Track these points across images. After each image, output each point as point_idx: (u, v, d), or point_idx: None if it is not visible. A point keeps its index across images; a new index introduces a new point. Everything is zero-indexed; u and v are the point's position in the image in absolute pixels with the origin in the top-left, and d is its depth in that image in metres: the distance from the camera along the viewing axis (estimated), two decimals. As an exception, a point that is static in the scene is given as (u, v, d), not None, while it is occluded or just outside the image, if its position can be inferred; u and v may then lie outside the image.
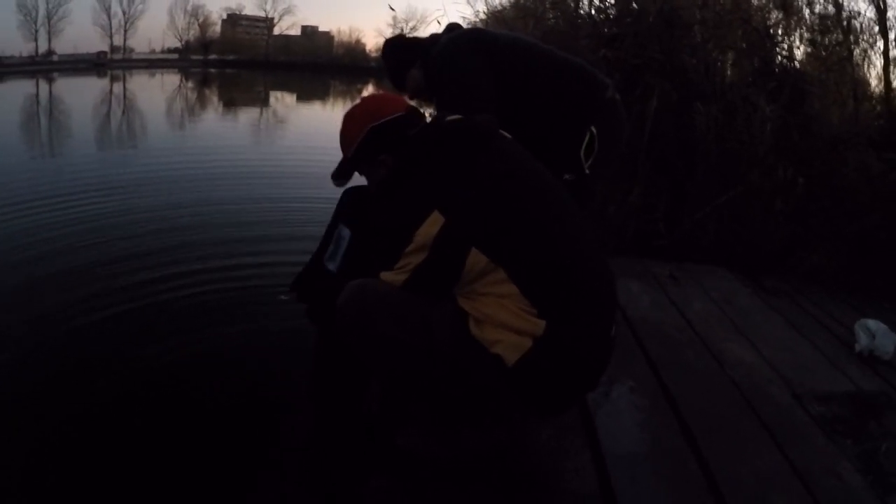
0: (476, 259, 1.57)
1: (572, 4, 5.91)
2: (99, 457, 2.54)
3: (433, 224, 1.58)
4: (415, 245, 1.61)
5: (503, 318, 1.59)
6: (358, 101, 1.98)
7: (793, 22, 5.36)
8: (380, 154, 1.83)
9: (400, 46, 2.70)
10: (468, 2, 12.20)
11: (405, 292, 1.67)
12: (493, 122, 1.84)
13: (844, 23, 5.33)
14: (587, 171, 2.44)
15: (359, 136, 1.85)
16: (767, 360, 2.72)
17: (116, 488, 2.34)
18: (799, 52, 5.28)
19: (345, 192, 2.20)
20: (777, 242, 4.10)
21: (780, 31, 5.29)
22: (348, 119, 1.91)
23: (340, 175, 1.94)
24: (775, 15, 5.40)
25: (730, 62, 5.13)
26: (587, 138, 2.42)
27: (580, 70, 2.54)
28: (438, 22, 11.73)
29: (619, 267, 3.63)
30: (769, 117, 4.27)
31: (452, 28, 2.70)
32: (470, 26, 2.54)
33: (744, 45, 5.13)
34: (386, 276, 1.70)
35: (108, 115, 20.96)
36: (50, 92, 32.73)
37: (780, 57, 5.07)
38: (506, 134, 1.84)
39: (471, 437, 1.89)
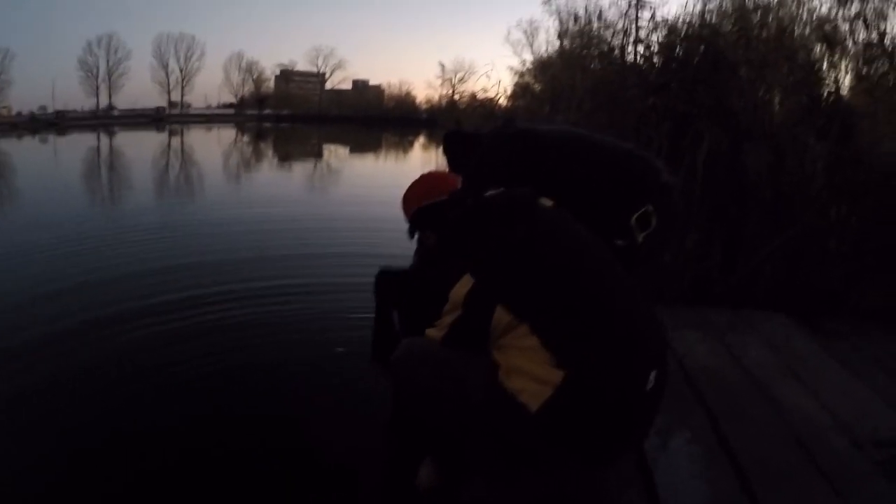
0: (501, 315, 1.75)
1: (618, 53, 6.03)
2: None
3: (464, 285, 1.81)
4: (450, 304, 1.85)
5: (527, 368, 1.73)
6: (415, 179, 2.30)
7: (837, 54, 5.36)
8: (424, 231, 2.18)
9: (464, 141, 2.82)
10: (515, 52, 12.48)
11: (447, 349, 1.89)
12: (531, 192, 2.01)
13: (889, 49, 5.29)
14: (639, 241, 2.51)
15: (409, 215, 2.23)
16: (826, 407, 2.74)
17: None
18: (845, 85, 5.27)
19: (378, 277, 2.58)
20: (834, 283, 4.08)
21: (825, 65, 5.31)
22: (406, 196, 2.28)
23: (409, 234, 2.31)
24: (819, 48, 5.41)
25: (777, 100, 5.15)
26: (641, 211, 2.41)
27: (630, 155, 2.56)
28: (487, 76, 12.01)
29: (675, 316, 3.75)
30: (820, 154, 4.28)
31: (508, 123, 2.82)
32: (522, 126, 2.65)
33: (791, 80, 5.15)
34: (430, 332, 1.94)
35: (167, 167, 22.25)
36: (110, 145, 34.86)
37: (826, 91, 5.08)
38: (546, 202, 2.01)
39: (530, 486, 2.02)
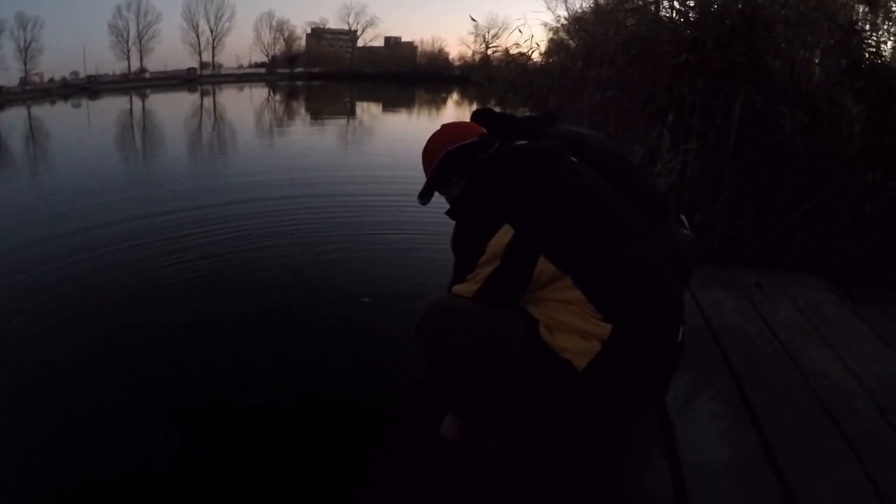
0: (544, 267, 1.71)
1: (652, 9, 5.85)
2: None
3: (504, 235, 1.73)
4: (487, 256, 1.76)
5: (572, 322, 1.71)
6: (438, 128, 2.17)
7: (879, 16, 5.19)
8: (452, 176, 2.02)
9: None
10: (549, 7, 12.27)
11: (478, 305, 1.83)
12: (559, 146, 1.97)
13: (934, 13, 5.11)
14: None
15: (435, 160, 2.05)
16: (853, 373, 2.69)
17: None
18: (887, 48, 5.08)
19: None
20: (867, 249, 3.98)
21: (866, 27, 5.12)
22: (428, 145, 2.12)
23: (423, 195, 2.13)
24: (861, 10, 5.24)
25: (815, 62, 5.00)
26: None
27: None
28: (520, 31, 11.84)
29: (704, 275, 3.70)
30: (857, 118, 4.14)
31: None
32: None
33: (830, 42, 4.99)
34: (458, 288, 1.88)
35: (199, 127, 22.63)
36: (143, 107, 35.34)
37: (867, 54, 4.88)
38: (573, 158, 1.96)
39: (554, 439, 2.01)
